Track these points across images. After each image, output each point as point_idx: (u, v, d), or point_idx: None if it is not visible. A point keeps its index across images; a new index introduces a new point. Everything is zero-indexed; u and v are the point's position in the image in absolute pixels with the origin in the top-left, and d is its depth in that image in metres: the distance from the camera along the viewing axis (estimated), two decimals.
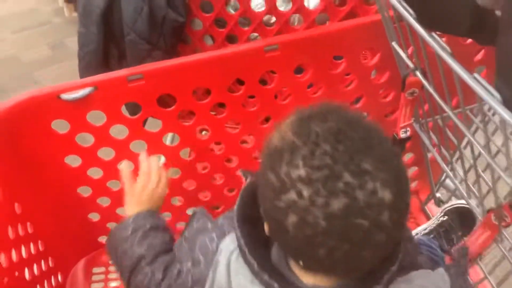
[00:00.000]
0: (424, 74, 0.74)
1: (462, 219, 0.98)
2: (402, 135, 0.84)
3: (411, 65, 0.77)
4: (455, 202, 1.01)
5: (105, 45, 1.19)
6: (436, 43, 0.59)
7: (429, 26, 0.61)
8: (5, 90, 2.29)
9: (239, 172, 0.64)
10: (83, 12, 1.18)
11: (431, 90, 0.71)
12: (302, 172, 0.43)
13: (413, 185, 1.15)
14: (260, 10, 1.12)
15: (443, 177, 1.08)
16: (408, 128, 0.84)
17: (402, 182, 0.46)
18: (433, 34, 0.61)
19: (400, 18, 0.68)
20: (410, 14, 0.63)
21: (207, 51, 1.21)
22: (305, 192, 0.43)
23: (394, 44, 0.81)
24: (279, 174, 0.45)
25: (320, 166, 0.43)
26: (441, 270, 0.55)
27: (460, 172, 0.83)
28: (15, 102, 0.78)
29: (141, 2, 1.10)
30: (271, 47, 0.84)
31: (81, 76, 1.28)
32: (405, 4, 0.64)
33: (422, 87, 0.78)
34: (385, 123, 1.02)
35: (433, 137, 0.88)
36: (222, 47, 1.19)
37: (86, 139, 0.88)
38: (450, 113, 0.67)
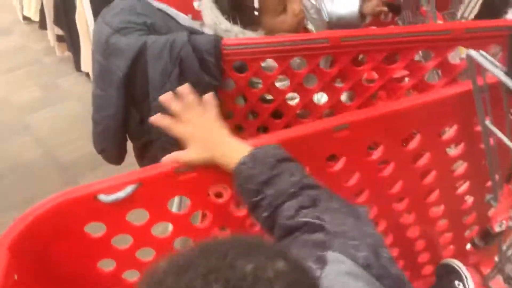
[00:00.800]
0: None
1: None
2: (497, 229, 0.71)
3: None
4: None
5: (125, 109, 1.05)
6: None
7: None
8: None
9: None
10: (101, 73, 1.03)
11: None
12: None
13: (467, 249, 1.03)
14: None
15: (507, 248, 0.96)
16: (504, 221, 0.72)
17: None
18: None
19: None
20: None
21: (237, 112, 1.08)
22: None
23: (488, 123, 0.69)
24: None
25: None
26: None
27: None
28: (44, 209, 0.63)
29: (171, 64, 0.96)
30: (340, 127, 0.72)
31: (96, 141, 1.13)
32: None
33: None
34: (453, 198, 0.90)
35: None
36: (255, 107, 1.07)
37: (123, 239, 0.73)
38: None
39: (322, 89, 1.02)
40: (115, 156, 1.14)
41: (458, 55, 1.00)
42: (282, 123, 1.10)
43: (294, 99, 1.07)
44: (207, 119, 0.73)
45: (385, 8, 1.39)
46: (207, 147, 0.69)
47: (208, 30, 1.17)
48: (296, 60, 1.00)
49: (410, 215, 0.91)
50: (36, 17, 2.63)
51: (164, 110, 1.01)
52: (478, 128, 0.80)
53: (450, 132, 0.80)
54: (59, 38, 2.54)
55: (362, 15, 1.34)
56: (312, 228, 0.57)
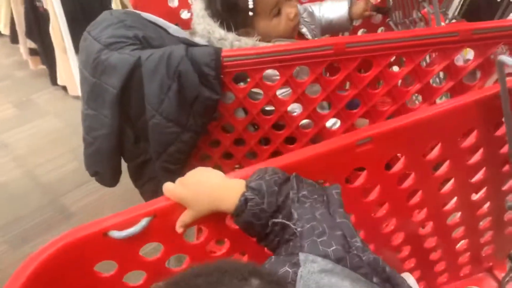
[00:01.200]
0: None
1: None
2: None
3: None
4: None
5: (120, 129, 0.98)
6: None
7: None
8: None
9: None
10: (92, 92, 0.96)
11: None
12: None
13: (483, 255, 1.00)
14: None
15: None
16: None
17: None
18: None
19: None
20: None
21: (238, 125, 1.03)
22: None
23: None
24: None
25: None
26: None
27: None
28: (51, 251, 0.56)
29: (168, 79, 0.90)
30: (363, 141, 0.67)
31: (89, 163, 1.06)
32: None
33: None
34: (471, 204, 0.87)
35: None
36: (256, 119, 1.01)
37: (135, 275, 0.67)
38: None
39: (327, 98, 0.97)
40: (110, 178, 1.06)
41: (462, 57, 0.97)
42: (285, 135, 1.05)
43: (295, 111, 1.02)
44: (199, 171, 0.67)
45: (373, 13, 1.36)
46: (204, 199, 0.62)
47: (199, 40, 1.11)
48: (297, 69, 0.95)
49: (428, 225, 0.87)
50: (6, 31, 2.50)
51: (163, 128, 0.95)
52: (498, 133, 0.77)
53: (470, 138, 0.76)
54: (32, 52, 2.42)
55: (351, 18, 1.32)
56: (287, 233, 0.57)
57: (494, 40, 0.89)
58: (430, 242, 0.91)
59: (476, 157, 0.79)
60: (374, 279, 0.53)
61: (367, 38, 0.90)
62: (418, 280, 0.95)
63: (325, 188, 0.63)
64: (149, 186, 1.10)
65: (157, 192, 1.08)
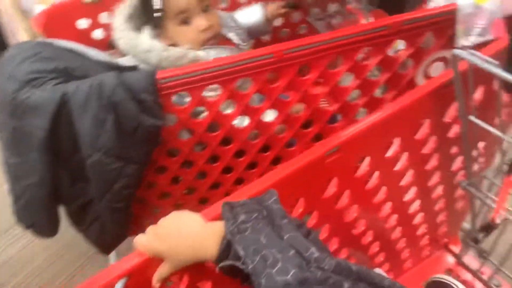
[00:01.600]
0: None
1: None
2: (498, 220, 0.70)
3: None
4: None
5: (52, 173, 0.86)
6: None
7: None
8: None
9: None
10: (14, 138, 0.83)
11: None
12: None
13: (439, 234, 1.04)
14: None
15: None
16: (503, 212, 0.70)
17: None
18: None
19: None
20: None
21: (183, 148, 0.96)
22: None
23: (473, 118, 0.67)
24: None
25: None
26: None
27: None
28: None
29: (102, 112, 0.80)
30: (332, 151, 0.64)
31: (21, 216, 0.93)
32: None
33: None
34: (427, 190, 0.88)
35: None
36: (202, 138, 0.95)
37: None
38: None
39: (272, 106, 0.94)
40: (48, 229, 0.94)
41: (394, 48, 0.98)
42: (233, 149, 0.99)
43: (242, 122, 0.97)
44: (175, 219, 0.59)
45: (287, 9, 1.35)
46: (185, 251, 0.55)
47: (123, 59, 1.03)
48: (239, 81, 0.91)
49: (393, 218, 0.87)
50: None
51: (103, 165, 0.85)
52: (447, 119, 0.78)
53: (423, 128, 0.77)
54: None
55: (267, 20, 1.30)
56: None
57: (423, 29, 0.91)
58: (396, 234, 0.91)
59: (430, 145, 0.80)
60: (346, 285, 0.49)
61: (303, 42, 0.87)
62: (388, 272, 0.95)
63: (262, 199, 0.57)
64: (93, 229, 0.99)
65: (104, 233, 0.99)
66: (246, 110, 0.93)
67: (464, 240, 1.03)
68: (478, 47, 0.92)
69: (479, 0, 0.89)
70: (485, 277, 0.98)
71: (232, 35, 1.19)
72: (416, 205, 0.89)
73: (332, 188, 0.70)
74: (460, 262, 1.04)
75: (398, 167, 0.79)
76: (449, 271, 1.04)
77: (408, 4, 1.20)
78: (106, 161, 0.84)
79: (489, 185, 0.83)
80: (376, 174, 0.76)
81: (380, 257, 0.93)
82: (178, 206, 1.10)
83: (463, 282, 0.99)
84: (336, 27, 1.37)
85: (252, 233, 0.51)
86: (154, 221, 0.59)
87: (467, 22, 0.91)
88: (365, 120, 0.67)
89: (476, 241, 0.79)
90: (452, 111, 0.78)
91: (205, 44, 1.06)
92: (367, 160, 0.72)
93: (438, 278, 0.97)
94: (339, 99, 0.97)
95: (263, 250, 0.49)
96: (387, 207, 0.84)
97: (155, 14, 1.01)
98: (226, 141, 0.98)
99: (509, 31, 0.84)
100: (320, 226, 0.73)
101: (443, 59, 0.99)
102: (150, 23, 1.02)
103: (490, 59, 0.58)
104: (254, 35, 1.32)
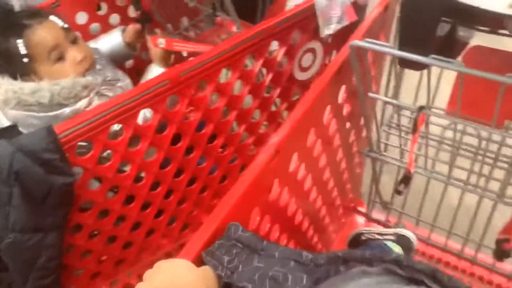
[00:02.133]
0: None
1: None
2: (412, 171, 0.80)
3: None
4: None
5: None
6: None
7: None
8: None
9: None
10: None
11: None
12: None
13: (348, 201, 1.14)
14: None
15: None
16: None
17: None
18: None
19: None
20: None
21: (96, 198, 0.88)
22: None
23: (372, 95, 0.76)
24: None
25: None
26: None
27: None
28: None
29: (4, 186, 0.69)
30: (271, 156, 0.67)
31: None
32: None
33: None
34: (337, 166, 0.97)
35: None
36: (114, 183, 0.88)
37: None
38: None
39: (178, 130, 0.92)
40: None
41: (269, 51, 1.04)
42: (146, 185, 0.95)
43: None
44: (166, 271, 0.53)
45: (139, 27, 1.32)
46: None
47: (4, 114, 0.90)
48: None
49: (319, 199, 0.94)
50: None
51: (20, 244, 0.73)
52: (341, 101, 0.87)
53: (327, 114, 0.84)
54: None
55: (128, 44, 1.25)
56: None
57: (291, 28, 0.99)
58: (322, 212, 0.98)
59: (333, 127, 0.88)
60: (341, 269, 0.54)
61: (196, 61, 0.87)
62: (316, 244, 1.02)
63: (228, 236, 0.56)
64: None
65: None
66: (154, 141, 0.89)
67: (370, 199, 1.15)
68: (338, 32, 1.04)
69: None
70: (392, 224, 1.13)
71: (99, 67, 1.12)
72: (331, 181, 0.97)
73: (276, 189, 0.72)
74: (369, 219, 1.16)
75: (315, 153, 0.84)
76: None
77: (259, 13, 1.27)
78: (23, 238, 0.73)
79: (384, 147, 0.96)
80: (303, 165, 0.81)
81: (315, 238, 0.99)
82: (100, 262, 1.01)
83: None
84: (194, 40, 1.39)
85: (245, 266, 0.52)
86: None
87: (325, 14, 1.01)
88: (289, 120, 0.71)
89: (400, 193, 0.91)
90: (342, 94, 0.87)
91: (84, 75, 0.98)
92: (295, 155, 0.76)
93: (354, 233, 1.07)
94: (236, 107, 1.00)
95: (268, 272, 0.49)
96: (314, 190, 0.89)
97: (24, 60, 0.89)
98: (139, 177, 0.93)
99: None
100: (273, 226, 0.75)
101: (311, 50, 1.08)
102: (18, 71, 0.91)
103: (385, 43, 0.67)
104: (118, 61, 1.26)
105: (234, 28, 1.07)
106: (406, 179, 0.81)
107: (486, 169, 0.91)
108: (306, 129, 0.77)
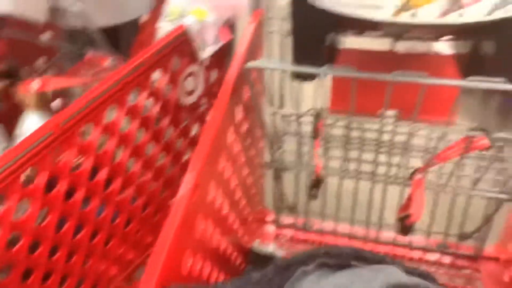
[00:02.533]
0: None
1: None
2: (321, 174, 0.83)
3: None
4: None
5: None
6: None
7: None
8: None
9: None
10: None
11: None
12: None
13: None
14: None
15: None
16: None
17: None
18: None
19: None
20: None
21: None
22: None
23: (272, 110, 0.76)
24: None
25: None
26: None
27: None
28: None
29: None
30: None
31: None
32: None
33: None
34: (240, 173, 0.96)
35: None
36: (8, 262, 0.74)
37: None
38: None
39: (69, 185, 0.81)
40: None
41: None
42: (44, 253, 0.81)
43: None
44: None
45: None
46: None
47: None
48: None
49: (225, 203, 0.91)
50: None
51: None
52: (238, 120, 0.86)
53: (230, 133, 0.83)
54: None
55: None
56: None
57: (169, 55, 0.95)
58: (240, 232, 0.96)
59: (238, 147, 0.87)
60: (288, 274, 0.57)
61: (75, 107, 0.78)
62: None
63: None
64: None
65: None
66: (45, 202, 0.77)
67: (276, 207, 1.17)
68: (215, 53, 1.04)
69: (199, 17, 0.99)
70: (301, 225, 1.16)
71: None
72: (243, 199, 0.96)
73: (200, 224, 0.68)
74: (279, 225, 1.18)
75: (226, 175, 0.83)
76: (277, 236, 1.18)
77: (121, 41, 1.20)
78: None
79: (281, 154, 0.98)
80: (220, 191, 0.78)
81: (235, 255, 0.96)
82: None
83: (290, 238, 1.14)
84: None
85: None
86: None
87: (199, 38, 1.00)
88: (199, 150, 0.68)
89: (285, 202, 0.93)
90: (239, 113, 0.87)
91: None
92: (212, 184, 0.73)
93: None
94: (129, 145, 0.92)
95: None
96: (232, 213, 0.87)
97: None
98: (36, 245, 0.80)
99: None
100: (205, 262, 0.71)
101: (192, 74, 1.06)
102: None
103: (279, 62, 0.67)
104: None
105: (107, 63, 0.99)
106: (317, 183, 0.84)
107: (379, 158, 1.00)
108: (216, 154, 0.75)
